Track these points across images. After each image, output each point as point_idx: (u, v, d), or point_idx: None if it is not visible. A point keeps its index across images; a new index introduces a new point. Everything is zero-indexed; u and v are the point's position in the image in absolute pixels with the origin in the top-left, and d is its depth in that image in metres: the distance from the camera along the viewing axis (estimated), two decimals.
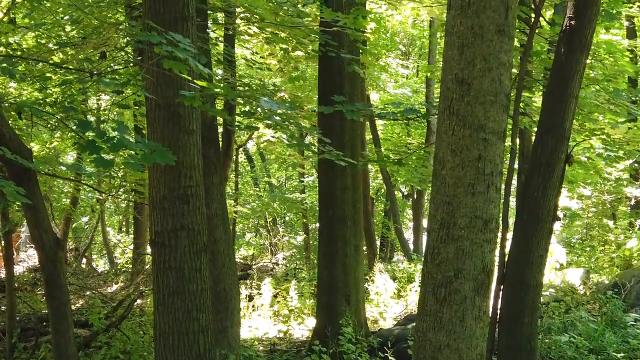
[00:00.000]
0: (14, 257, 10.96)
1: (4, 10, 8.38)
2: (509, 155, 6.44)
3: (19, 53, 7.43)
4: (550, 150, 6.20)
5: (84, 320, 10.80)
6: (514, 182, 8.94)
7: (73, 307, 11.13)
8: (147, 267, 14.88)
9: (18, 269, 15.71)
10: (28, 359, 8.86)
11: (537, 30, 6.79)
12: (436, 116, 5.08)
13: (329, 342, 8.46)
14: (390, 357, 8.07)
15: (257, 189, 23.68)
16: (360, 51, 9.08)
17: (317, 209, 10.67)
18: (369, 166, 15.12)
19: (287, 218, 23.30)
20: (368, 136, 15.94)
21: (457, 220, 3.84)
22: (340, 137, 8.85)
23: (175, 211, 4.80)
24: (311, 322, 10.55)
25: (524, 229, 6.35)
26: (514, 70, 5.48)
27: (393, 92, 17.87)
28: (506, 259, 6.33)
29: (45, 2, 7.74)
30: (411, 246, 17.01)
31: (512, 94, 4.30)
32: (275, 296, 12.20)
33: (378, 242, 18.24)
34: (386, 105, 15.43)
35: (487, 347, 4.40)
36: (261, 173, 24.77)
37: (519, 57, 7.03)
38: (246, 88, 7.66)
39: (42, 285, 11.07)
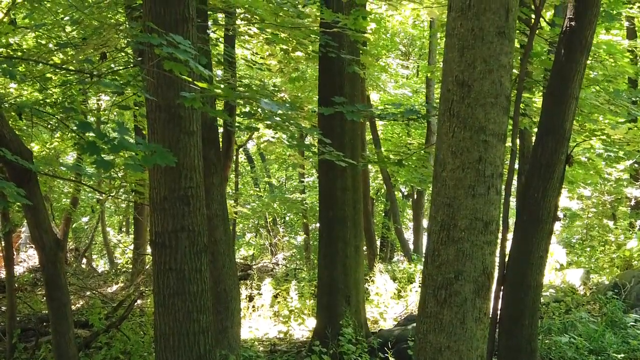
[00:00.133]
0: (14, 257, 10.96)
1: (4, 11, 8.38)
2: (509, 156, 6.44)
3: (19, 54, 7.43)
4: (551, 151, 6.21)
5: (84, 320, 10.81)
6: (514, 182, 8.95)
7: (73, 308, 11.12)
8: (147, 267, 14.88)
9: (18, 269, 15.71)
10: (28, 359, 8.86)
11: (537, 31, 6.79)
12: (436, 117, 5.08)
13: (329, 343, 8.47)
14: (390, 358, 8.07)
15: (257, 189, 23.69)
16: (361, 52, 9.08)
17: (317, 209, 10.67)
18: (369, 166, 15.12)
19: (287, 218, 23.31)
20: (368, 136, 15.94)
21: (458, 222, 3.84)
22: (340, 137, 8.86)
23: (176, 212, 4.80)
24: (311, 322, 10.55)
25: (524, 230, 6.35)
26: (514, 71, 5.48)
27: (393, 92, 17.87)
28: (506, 260, 6.34)
29: (45, 2, 7.74)
30: (411, 246, 17.01)
31: (512, 95, 4.29)
32: (275, 296, 12.20)
33: (378, 243, 18.25)
34: (386, 106, 15.44)
35: (487, 348, 4.40)
36: (261, 173, 24.77)
37: (519, 58, 7.03)
38: (246, 89, 7.65)
39: (43, 286, 11.08)
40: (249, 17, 8.25)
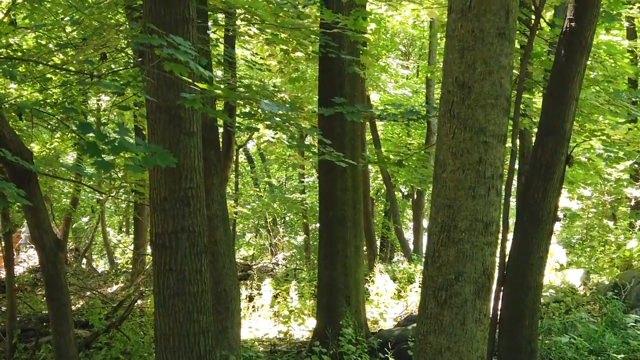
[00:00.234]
0: (14, 257, 10.96)
1: (4, 11, 8.38)
2: (509, 156, 6.45)
3: (19, 54, 7.43)
4: (551, 152, 6.21)
5: (85, 320, 10.81)
6: (514, 182, 8.95)
7: (73, 308, 11.12)
8: (147, 267, 14.88)
9: (18, 270, 15.71)
10: (28, 359, 8.86)
11: (537, 32, 6.79)
12: (436, 117, 5.08)
13: (329, 343, 8.47)
14: (390, 358, 8.07)
15: (257, 189, 23.69)
16: (361, 52, 9.08)
17: (317, 209, 10.67)
18: (369, 167, 15.12)
19: (287, 218, 23.30)
20: (368, 137, 15.94)
21: (458, 223, 3.85)
22: (340, 138, 8.86)
23: (176, 213, 4.80)
24: (311, 322, 10.56)
25: (524, 231, 6.36)
26: (515, 72, 5.48)
27: (393, 92, 17.87)
28: (506, 261, 6.34)
29: (45, 3, 7.75)
30: (411, 246, 17.01)
31: (512, 96, 4.30)
32: (275, 297, 12.20)
33: (378, 243, 18.25)
34: (386, 106, 15.44)
35: (487, 349, 4.40)
36: (261, 173, 24.76)
37: (519, 59, 7.03)
38: (247, 90, 7.65)
39: (43, 286, 11.08)
40: (249, 17, 8.25)
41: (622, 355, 7.80)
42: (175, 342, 4.79)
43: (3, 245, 9.58)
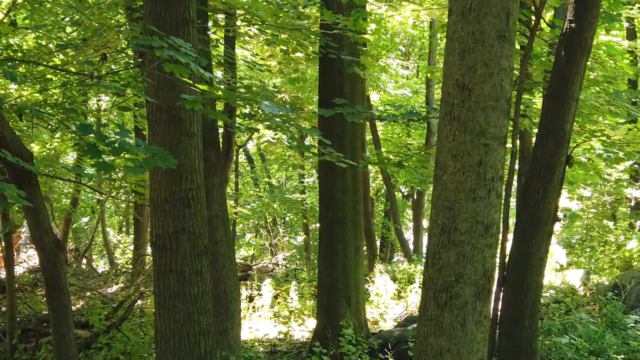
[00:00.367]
0: (14, 257, 10.96)
1: (4, 11, 8.38)
2: (509, 157, 6.45)
3: (19, 54, 7.43)
4: (551, 153, 6.22)
5: (85, 321, 10.80)
6: (515, 183, 8.95)
7: (73, 308, 11.12)
8: (147, 267, 14.88)
9: (18, 270, 15.71)
10: None
11: (537, 33, 6.79)
12: (436, 118, 5.09)
13: (329, 344, 8.48)
14: (390, 359, 8.07)
15: (257, 190, 23.68)
16: (361, 52, 9.09)
17: (317, 209, 10.67)
18: (369, 167, 15.12)
19: (287, 218, 23.30)
20: (368, 137, 15.94)
21: (458, 225, 3.85)
22: (340, 138, 8.86)
23: (177, 214, 4.81)
24: (311, 323, 10.56)
25: (524, 232, 6.37)
26: (515, 72, 5.49)
27: (393, 92, 17.88)
28: (506, 261, 6.34)
29: (45, 3, 7.75)
30: (411, 246, 17.02)
31: (512, 97, 4.30)
32: (275, 297, 12.20)
33: (378, 243, 18.24)
34: (386, 106, 15.43)
35: (487, 350, 4.40)
36: (261, 173, 24.75)
37: (519, 60, 7.04)
38: (247, 90, 7.65)
39: (43, 286, 11.08)
40: (249, 18, 8.25)
41: (622, 356, 7.80)
42: (176, 343, 4.79)
43: (3, 245, 9.58)
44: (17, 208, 9.51)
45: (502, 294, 6.29)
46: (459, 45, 3.87)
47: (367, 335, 9.19)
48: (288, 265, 16.81)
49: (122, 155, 3.84)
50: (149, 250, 14.30)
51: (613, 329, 8.65)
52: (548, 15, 8.83)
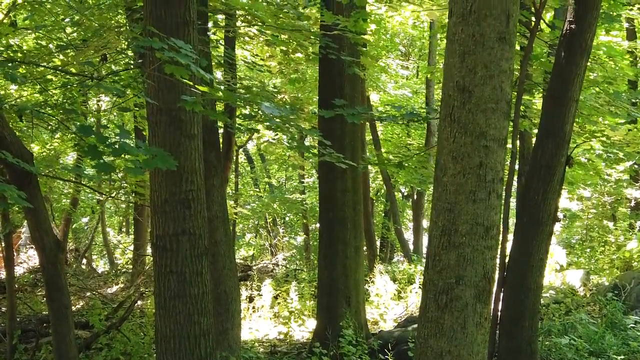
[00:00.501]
0: (14, 258, 10.96)
1: (4, 12, 8.38)
2: (509, 157, 6.46)
3: (19, 55, 7.43)
4: (551, 154, 6.23)
5: (85, 321, 10.80)
6: (515, 183, 8.96)
7: (73, 308, 11.12)
8: (147, 268, 14.88)
9: (18, 270, 15.70)
10: None
11: (537, 34, 6.80)
12: (436, 118, 5.09)
13: (329, 344, 8.48)
14: None
15: (257, 190, 23.67)
16: (361, 53, 9.09)
17: (317, 209, 10.67)
18: (369, 167, 15.12)
19: (287, 219, 23.29)
20: (368, 137, 15.94)
21: (459, 227, 3.85)
22: (340, 139, 8.86)
23: (177, 215, 4.81)
24: (312, 323, 10.56)
25: (525, 232, 6.37)
26: (515, 73, 5.49)
27: (393, 92, 17.87)
28: (507, 262, 6.35)
29: (45, 4, 7.75)
30: (411, 247, 17.02)
31: (512, 98, 4.31)
32: (275, 297, 12.20)
33: (378, 243, 18.24)
34: (386, 106, 15.42)
35: (487, 350, 4.41)
36: (261, 174, 24.75)
37: (519, 61, 7.04)
38: (247, 91, 7.66)
39: (43, 287, 11.08)
40: (249, 19, 8.25)
41: (622, 357, 7.81)
42: (176, 344, 4.80)
43: (3, 245, 9.58)
44: (17, 208, 9.51)
45: (502, 294, 6.29)
46: (459, 48, 3.87)
47: (367, 335, 9.19)
48: (288, 266, 16.81)
49: (122, 156, 3.85)
50: (149, 250, 14.30)
51: (613, 329, 8.66)
52: (548, 16, 8.83)
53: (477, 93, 3.82)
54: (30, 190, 6.37)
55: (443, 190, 3.92)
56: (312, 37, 8.01)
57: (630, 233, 13.13)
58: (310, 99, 13.96)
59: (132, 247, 17.37)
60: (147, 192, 6.80)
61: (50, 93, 8.33)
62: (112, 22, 8.20)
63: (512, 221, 8.56)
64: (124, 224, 24.75)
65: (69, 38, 8.59)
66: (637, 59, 13.18)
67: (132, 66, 7.64)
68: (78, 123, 7.86)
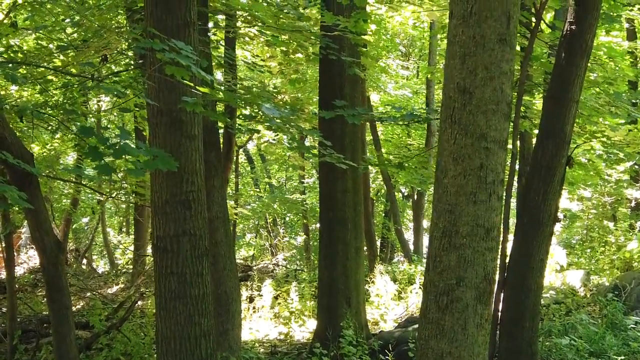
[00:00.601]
0: (14, 258, 10.96)
1: (5, 12, 8.38)
2: (510, 158, 6.46)
3: (20, 55, 7.44)
4: (551, 155, 6.23)
5: (85, 321, 10.81)
6: (515, 184, 8.96)
7: (74, 308, 11.13)
8: (147, 268, 14.88)
9: (19, 270, 15.72)
10: None
11: (537, 34, 6.80)
12: (437, 119, 5.09)
13: (329, 345, 8.48)
14: None
15: (258, 190, 23.67)
16: (361, 54, 9.09)
17: (318, 209, 10.67)
18: (370, 168, 15.11)
19: (287, 219, 23.29)
20: (368, 137, 15.93)
21: (459, 228, 3.86)
22: (341, 140, 8.86)
23: (177, 216, 4.81)
24: (312, 324, 10.56)
25: (525, 233, 6.38)
26: (515, 74, 5.49)
27: (393, 93, 17.86)
28: (507, 262, 6.35)
29: (46, 4, 7.74)
30: (411, 247, 17.01)
31: (512, 99, 4.31)
32: (275, 298, 12.20)
33: (378, 243, 18.23)
34: (387, 107, 15.42)
35: (488, 351, 4.41)
36: (261, 174, 24.75)
37: (519, 62, 7.05)
38: (247, 92, 7.66)
39: (43, 287, 11.08)
40: (250, 19, 8.25)
41: (623, 357, 7.81)
42: (177, 345, 4.80)
43: (4, 246, 9.58)
44: (17, 209, 9.52)
45: (502, 295, 6.30)
46: (460, 49, 3.87)
47: (367, 336, 9.19)
48: (288, 266, 16.82)
49: (123, 157, 3.85)
50: (149, 250, 14.31)
51: (613, 330, 8.66)
52: (548, 16, 8.83)
53: (478, 94, 3.82)
54: (30, 191, 6.37)
55: (444, 191, 3.93)
56: (312, 37, 8.02)
57: (631, 233, 13.13)
58: (310, 99, 13.95)
59: (132, 248, 17.37)
60: (148, 193, 6.81)
61: (51, 93, 8.33)
62: (113, 22, 8.20)
63: (512, 221, 8.55)
64: (124, 224, 24.75)
65: (69, 38, 8.58)
66: (638, 59, 13.18)
67: (132, 67, 7.64)
68: (78, 123, 7.88)
